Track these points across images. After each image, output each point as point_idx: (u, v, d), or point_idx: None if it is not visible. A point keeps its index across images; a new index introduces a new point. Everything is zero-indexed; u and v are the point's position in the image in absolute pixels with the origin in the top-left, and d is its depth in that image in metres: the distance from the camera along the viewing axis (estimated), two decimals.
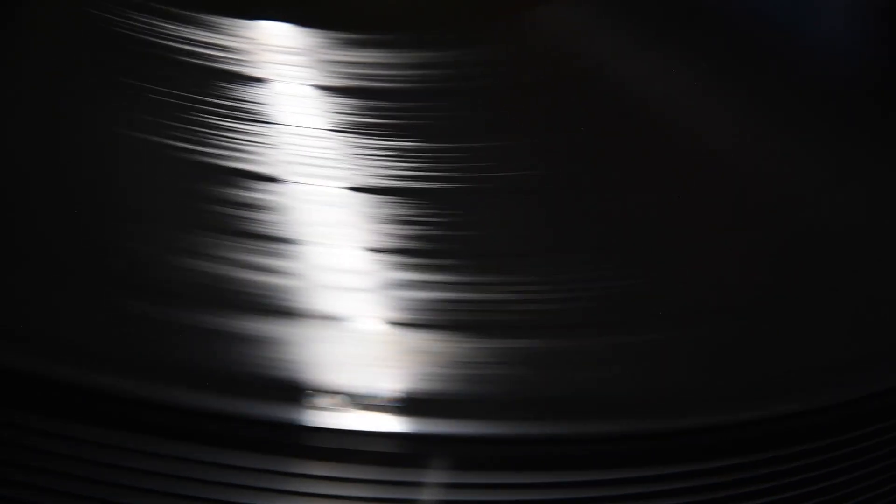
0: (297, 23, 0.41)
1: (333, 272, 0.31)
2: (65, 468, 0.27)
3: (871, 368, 0.32)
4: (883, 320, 0.33)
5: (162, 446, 0.27)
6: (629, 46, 0.44)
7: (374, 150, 0.36)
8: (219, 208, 0.33)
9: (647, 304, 0.32)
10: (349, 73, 0.39)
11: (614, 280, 0.33)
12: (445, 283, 0.31)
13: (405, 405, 0.27)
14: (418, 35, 0.42)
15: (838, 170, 0.39)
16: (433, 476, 0.27)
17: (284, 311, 0.29)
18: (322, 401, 0.27)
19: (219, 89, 0.37)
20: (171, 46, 0.39)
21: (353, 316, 0.30)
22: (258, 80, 0.38)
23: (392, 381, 0.28)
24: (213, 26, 0.40)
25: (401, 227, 0.33)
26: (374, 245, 0.32)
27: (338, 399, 0.27)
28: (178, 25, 0.40)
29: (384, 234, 0.33)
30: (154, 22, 0.40)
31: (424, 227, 0.33)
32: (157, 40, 0.39)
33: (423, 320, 0.30)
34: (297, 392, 0.27)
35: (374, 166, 0.35)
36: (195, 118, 0.36)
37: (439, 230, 0.33)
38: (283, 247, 0.32)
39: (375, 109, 0.38)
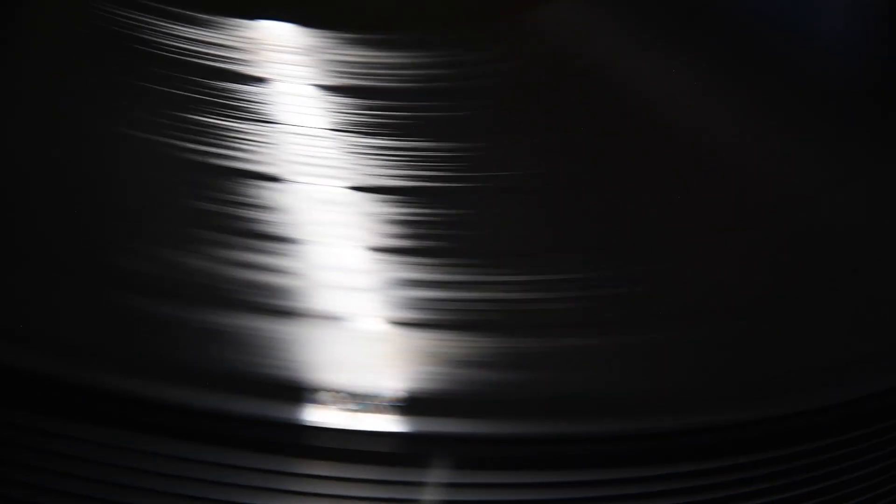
0: (298, 22, 0.41)
1: (334, 271, 0.31)
2: (65, 468, 0.27)
3: (871, 368, 0.32)
4: (883, 320, 0.33)
5: (162, 446, 0.27)
6: (630, 46, 0.44)
7: (375, 149, 0.36)
8: (220, 208, 0.33)
9: (647, 304, 0.32)
10: (351, 73, 0.39)
11: (614, 280, 0.33)
12: (446, 282, 0.31)
13: (406, 405, 0.27)
14: (420, 35, 0.42)
15: (838, 170, 0.39)
16: (434, 476, 0.27)
17: (285, 311, 0.29)
18: (323, 400, 0.27)
19: (220, 89, 0.37)
20: (171, 46, 0.39)
21: (354, 315, 0.30)
22: (259, 79, 0.38)
23: (393, 380, 0.28)
24: (214, 26, 0.40)
25: (402, 226, 0.33)
26: (375, 244, 0.32)
27: (339, 398, 0.27)
28: (178, 25, 0.40)
29: (385, 234, 0.33)
30: (155, 21, 0.40)
31: (425, 227, 0.33)
32: (158, 40, 0.39)
33: (423, 320, 0.30)
34: (299, 391, 0.27)
35: (376, 166, 0.35)
36: (196, 118, 0.36)
37: (440, 230, 0.33)
38: (284, 246, 0.32)
39: (377, 109, 0.38)
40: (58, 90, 0.37)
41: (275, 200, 0.33)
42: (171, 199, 0.33)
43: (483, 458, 0.28)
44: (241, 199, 0.33)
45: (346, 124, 0.37)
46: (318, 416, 0.27)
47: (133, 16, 0.40)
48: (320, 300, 0.30)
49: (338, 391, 0.27)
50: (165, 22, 0.40)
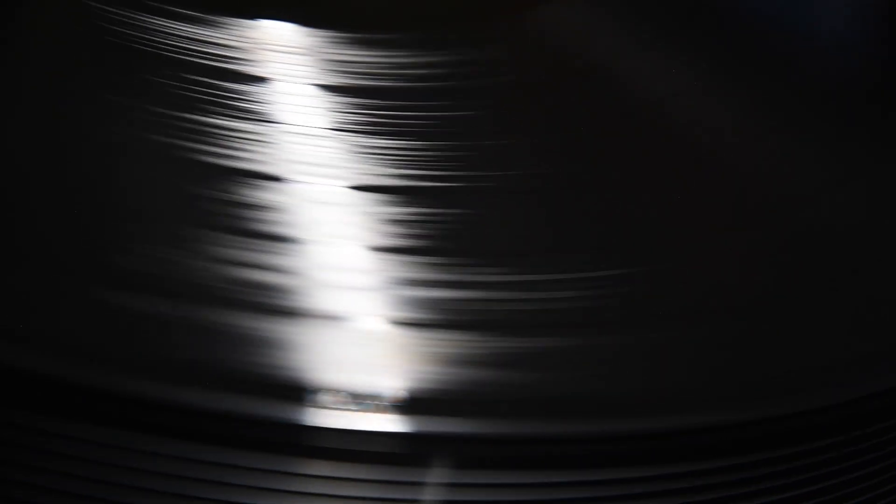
0: (299, 22, 0.41)
1: (335, 271, 0.31)
2: (65, 468, 0.27)
3: (871, 368, 0.32)
4: (883, 320, 0.33)
5: (163, 446, 0.27)
6: (629, 46, 0.44)
7: (375, 149, 0.36)
8: (221, 207, 0.33)
9: (647, 304, 0.32)
10: (351, 73, 0.39)
11: (614, 280, 0.33)
12: (446, 282, 0.31)
13: (406, 404, 0.27)
14: (420, 35, 0.42)
15: (838, 170, 0.39)
16: (434, 475, 0.27)
17: (286, 311, 0.29)
18: (323, 400, 0.27)
19: (220, 88, 0.37)
20: (172, 46, 0.39)
21: (354, 315, 0.30)
22: (260, 79, 0.38)
23: (393, 380, 0.28)
24: (215, 25, 0.40)
25: (402, 226, 0.33)
26: (376, 244, 0.32)
27: (339, 398, 0.27)
28: (179, 25, 0.40)
29: (385, 234, 0.33)
30: (155, 21, 0.40)
31: (425, 227, 0.33)
32: (158, 39, 0.39)
33: (423, 319, 0.30)
34: (300, 391, 0.27)
35: (376, 166, 0.35)
36: (196, 117, 0.36)
37: (440, 229, 0.33)
38: (285, 246, 0.32)
39: (377, 109, 0.38)
40: (58, 90, 0.37)
41: (275, 200, 0.33)
42: (171, 199, 0.33)
43: (483, 457, 0.28)
44: (241, 198, 0.33)
45: (347, 124, 0.37)
46: (318, 415, 0.27)
47: (134, 16, 0.40)
48: (321, 300, 0.30)
49: (338, 391, 0.27)
50: (166, 22, 0.40)
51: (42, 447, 0.27)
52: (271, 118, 0.37)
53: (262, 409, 0.27)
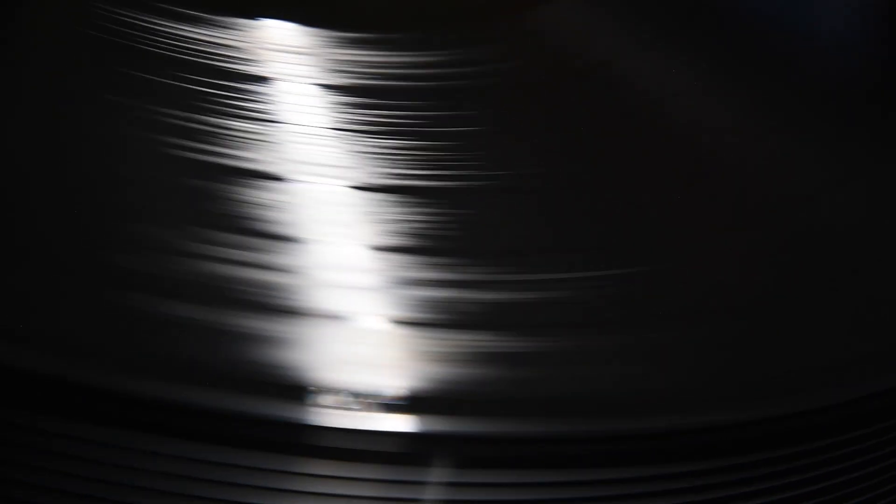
0: (300, 22, 0.41)
1: (337, 270, 0.31)
2: (65, 468, 0.27)
3: (871, 368, 0.32)
4: (883, 320, 0.33)
5: (164, 445, 0.27)
6: (630, 46, 0.44)
7: (376, 149, 0.36)
8: (222, 207, 0.33)
9: (647, 304, 0.32)
10: (353, 73, 0.39)
11: (614, 280, 0.33)
12: (446, 282, 0.31)
13: (408, 404, 0.27)
14: (422, 35, 0.42)
15: (838, 170, 0.39)
16: (435, 475, 0.27)
17: (288, 310, 0.29)
18: (325, 399, 0.27)
19: (222, 88, 0.37)
20: (173, 45, 0.39)
21: (356, 314, 0.30)
22: (262, 79, 0.38)
23: (395, 379, 0.28)
24: (216, 25, 0.40)
25: (403, 225, 0.33)
26: (378, 244, 0.32)
27: (341, 398, 0.27)
28: (180, 25, 0.40)
29: (387, 233, 0.33)
30: (156, 21, 0.40)
31: (426, 226, 0.33)
32: (159, 39, 0.39)
33: (424, 319, 0.30)
34: (301, 391, 0.27)
35: (378, 165, 0.35)
36: (198, 117, 0.36)
37: (440, 229, 0.33)
38: (287, 245, 0.32)
39: (378, 108, 0.38)
40: (58, 90, 0.37)
41: (276, 199, 0.33)
42: (172, 199, 0.33)
43: (484, 457, 0.28)
44: (243, 198, 0.33)
45: (348, 124, 0.37)
46: (319, 415, 0.27)
47: (135, 16, 0.40)
48: (323, 299, 0.30)
49: (339, 390, 0.27)
50: (166, 21, 0.40)
51: (42, 447, 0.27)
52: (273, 118, 0.37)
53: (262, 408, 0.27)
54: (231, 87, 0.38)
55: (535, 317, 0.31)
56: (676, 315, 0.32)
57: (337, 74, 0.39)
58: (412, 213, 0.33)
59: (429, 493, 0.27)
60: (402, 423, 0.27)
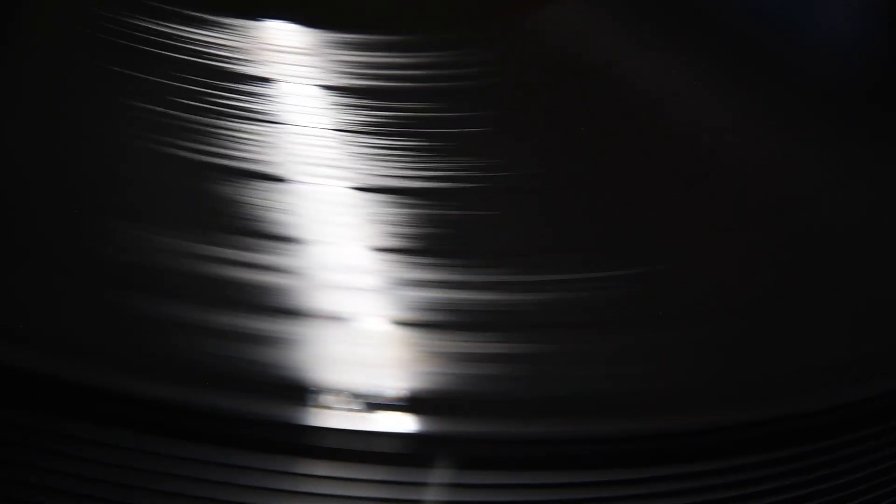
0: (302, 23, 0.41)
1: (338, 271, 0.31)
2: (66, 468, 0.27)
3: (871, 368, 0.32)
4: (883, 320, 0.33)
5: (164, 446, 0.27)
6: (630, 46, 0.44)
7: (378, 149, 0.36)
8: (224, 208, 0.33)
9: (647, 304, 0.32)
10: (355, 73, 0.39)
11: (614, 280, 0.33)
12: (446, 282, 0.31)
13: (409, 405, 0.27)
14: (422, 36, 0.42)
15: (838, 170, 0.39)
16: (437, 476, 0.27)
17: (289, 311, 0.29)
18: (327, 400, 0.27)
19: (223, 89, 0.37)
20: (173, 46, 0.39)
21: (358, 315, 0.30)
22: (264, 79, 0.38)
23: (396, 380, 0.28)
24: (217, 26, 0.40)
25: (403, 226, 0.33)
26: (378, 244, 0.32)
27: (342, 398, 0.27)
28: (181, 25, 0.40)
29: (388, 234, 0.33)
30: (156, 22, 0.40)
31: (426, 227, 0.33)
32: (159, 39, 0.39)
33: (425, 320, 0.30)
34: (302, 392, 0.27)
35: (380, 166, 0.35)
36: (199, 118, 0.36)
37: (440, 230, 0.33)
38: (288, 246, 0.32)
39: (381, 109, 0.38)
40: (58, 90, 0.37)
41: (278, 200, 0.33)
42: (172, 199, 0.33)
43: (484, 458, 0.28)
44: (244, 198, 0.33)
45: (350, 124, 0.37)
46: (320, 415, 0.27)
47: (135, 17, 0.40)
48: (324, 300, 0.30)
49: (340, 391, 0.27)
50: (166, 22, 0.40)
51: (42, 447, 0.27)
52: (274, 119, 0.37)
53: (263, 408, 0.27)
54: (232, 88, 0.38)
55: (535, 317, 0.31)
56: (676, 315, 0.32)
57: (338, 75, 0.39)
58: (412, 214, 0.33)
59: (429, 494, 0.27)
60: (402, 424, 0.27)
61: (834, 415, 0.30)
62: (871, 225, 0.37)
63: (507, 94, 0.40)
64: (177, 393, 0.27)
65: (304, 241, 0.32)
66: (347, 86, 0.39)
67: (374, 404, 0.27)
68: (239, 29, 0.40)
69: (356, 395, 0.27)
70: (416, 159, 0.36)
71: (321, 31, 0.41)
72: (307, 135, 0.36)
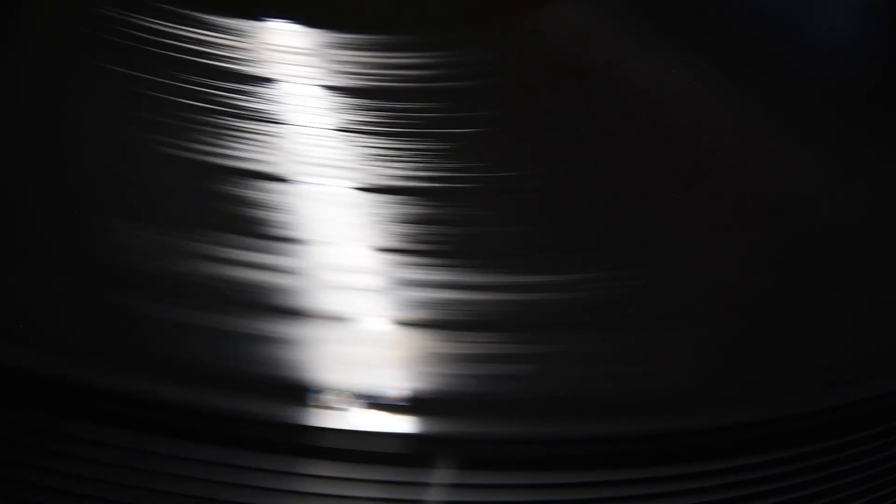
0: (304, 23, 0.41)
1: (340, 271, 0.31)
2: (66, 468, 0.27)
3: (871, 368, 0.32)
4: (883, 320, 0.33)
5: (164, 446, 0.27)
6: (629, 46, 0.44)
7: (381, 150, 0.36)
8: (225, 208, 0.33)
9: (647, 304, 0.32)
10: (356, 74, 0.39)
11: (614, 280, 0.33)
12: (446, 282, 0.31)
13: (410, 405, 0.27)
14: (423, 36, 0.42)
15: (838, 170, 0.39)
16: (438, 476, 0.27)
17: (291, 311, 0.29)
18: (328, 400, 0.27)
19: (224, 89, 0.37)
20: (173, 46, 0.39)
21: (359, 315, 0.30)
22: (266, 80, 0.38)
23: (397, 380, 0.28)
24: (218, 26, 0.40)
25: (407, 226, 0.33)
26: (381, 245, 0.32)
27: (343, 399, 0.27)
28: (181, 25, 0.40)
29: (389, 234, 0.33)
30: (157, 22, 0.40)
31: (430, 227, 0.33)
32: (160, 40, 0.39)
33: (426, 320, 0.30)
34: (303, 391, 0.27)
35: (381, 166, 0.35)
36: (199, 118, 0.36)
37: (440, 230, 0.33)
38: (290, 246, 0.32)
39: (381, 109, 0.38)
40: (58, 90, 0.37)
41: (280, 200, 0.33)
42: (172, 199, 0.33)
43: (485, 458, 0.28)
44: (245, 198, 0.33)
45: (351, 124, 0.37)
46: (321, 416, 0.27)
47: (135, 16, 0.40)
48: (326, 300, 0.30)
49: (342, 391, 0.27)
50: (167, 22, 0.40)
51: (42, 447, 0.27)
52: (275, 119, 0.37)
53: (265, 409, 0.27)
54: (232, 88, 0.38)
55: (536, 317, 0.31)
56: (676, 315, 0.32)
57: (340, 75, 0.39)
58: (413, 214, 0.33)
59: (431, 495, 0.27)
60: (404, 424, 0.27)
61: (834, 415, 0.30)
62: (871, 225, 0.37)
63: (507, 94, 0.40)
64: (177, 393, 0.27)
65: (305, 241, 0.32)
66: (348, 86, 0.39)
67: (375, 404, 0.27)
68: (239, 29, 0.40)
69: (357, 395, 0.27)
70: (417, 159, 0.36)
71: (321, 30, 0.41)
72: (309, 135, 0.36)
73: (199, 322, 0.29)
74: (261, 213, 0.33)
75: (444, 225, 0.33)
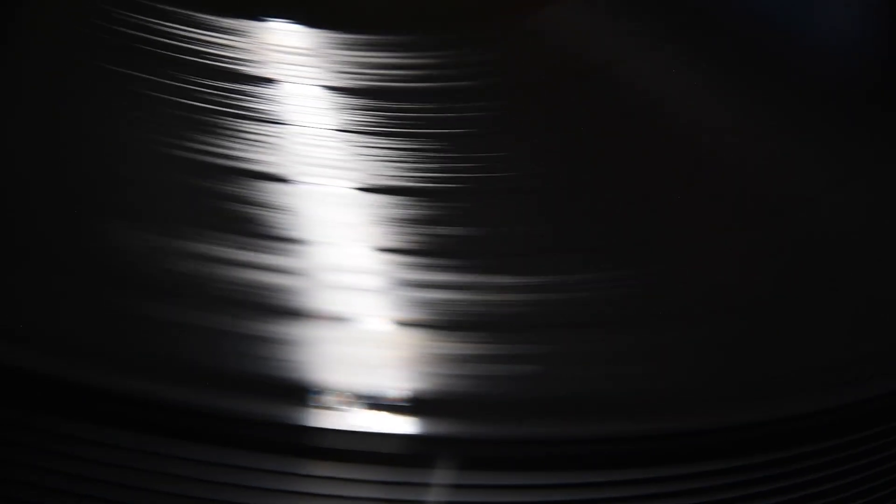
0: (304, 23, 0.41)
1: (340, 272, 0.31)
2: (65, 468, 0.27)
3: (871, 368, 0.32)
4: (883, 320, 0.33)
5: (164, 446, 0.27)
6: (629, 47, 0.44)
7: (381, 150, 0.36)
8: (225, 208, 0.33)
9: (647, 304, 0.32)
10: (356, 74, 0.39)
11: (614, 280, 0.33)
12: (446, 283, 0.31)
13: (410, 405, 0.27)
14: (423, 36, 0.42)
15: (838, 170, 0.39)
16: (438, 476, 0.27)
17: (292, 311, 0.29)
18: (328, 400, 0.27)
19: (224, 89, 0.37)
20: (173, 46, 0.39)
21: (359, 316, 0.30)
22: (266, 80, 0.38)
23: (398, 381, 0.28)
24: (219, 26, 0.40)
25: (407, 226, 0.33)
26: (381, 245, 0.32)
27: (344, 399, 0.27)
28: (181, 26, 0.40)
29: (391, 234, 0.33)
30: (157, 22, 0.40)
31: (430, 227, 0.33)
32: (160, 40, 0.39)
33: (426, 320, 0.30)
34: (304, 392, 0.27)
35: (382, 166, 0.35)
36: (200, 118, 0.36)
37: (444, 230, 0.33)
38: (290, 246, 0.32)
39: (383, 110, 0.38)
40: (58, 90, 0.37)
41: (281, 201, 0.33)
42: (173, 199, 0.33)
43: (485, 458, 0.28)
44: (246, 198, 0.33)
45: (352, 125, 0.37)
46: (322, 416, 0.27)
47: (135, 17, 0.40)
48: (326, 300, 0.30)
49: (342, 391, 0.27)
50: (167, 22, 0.40)
51: (42, 447, 0.27)
52: (276, 119, 0.37)
53: (265, 409, 0.27)
54: (232, 88, 0.38)
55: (536, 317, 0.31)
56: (676, 315, 0.32)
57: (340, 75, 0.39)
58: (416, 215, 0.33)
59: (431, 495, 0.27)
60: (404, 425, 0.27)
61: (834, 415, 0.30)
62: (871, 225, 0.37)
63: (507, 94, 0.40)
64: (177, 393, 0.27)
65: (305, 241, 0.32)
66: (348, 86, 0.39)
67: (376, 405, 0.27)
68: (239, 29, 0.40)
69: (358, 396, 0.27)
70: (417, 159, 0.36)
71: (321, 30, 0.41)
72: (308, 135, 0.36)
73: (199, 322, 0.29)
74: (261, 213, 0.33)
75: (444, 225, 0.33)
